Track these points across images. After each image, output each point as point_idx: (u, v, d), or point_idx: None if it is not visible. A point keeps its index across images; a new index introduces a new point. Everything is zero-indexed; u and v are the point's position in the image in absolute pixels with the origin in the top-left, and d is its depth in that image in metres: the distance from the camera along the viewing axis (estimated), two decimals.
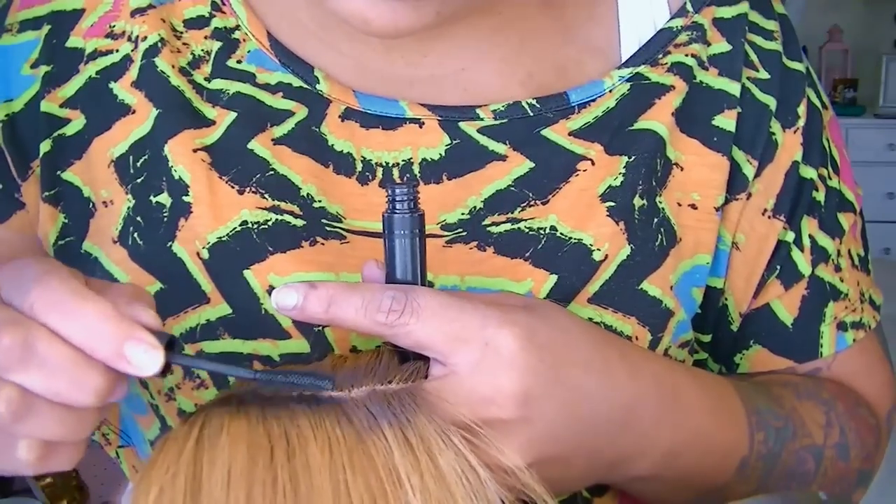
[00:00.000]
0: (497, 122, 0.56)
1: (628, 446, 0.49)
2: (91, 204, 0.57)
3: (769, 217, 0.60)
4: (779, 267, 0.60)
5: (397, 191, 0.45)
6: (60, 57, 0.58)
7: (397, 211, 0.45)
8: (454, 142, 0.56)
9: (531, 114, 0.57)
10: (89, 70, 0.57)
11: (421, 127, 0.56)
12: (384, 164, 0.56)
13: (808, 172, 0.61)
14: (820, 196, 0.62)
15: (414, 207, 0.45)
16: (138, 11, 0.57)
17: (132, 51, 0.57)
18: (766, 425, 0.57)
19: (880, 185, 3.90)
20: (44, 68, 0.57)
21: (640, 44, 0.59)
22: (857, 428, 0.62)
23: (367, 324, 0.44)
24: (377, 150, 0.56)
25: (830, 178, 0.63)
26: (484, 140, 0.56)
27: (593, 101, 0.58)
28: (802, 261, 0.61)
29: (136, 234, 0.55)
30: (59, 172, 0.58)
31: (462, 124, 0.56)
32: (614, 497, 0.60)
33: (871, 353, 0.65)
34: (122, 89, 0.57)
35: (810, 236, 0.61)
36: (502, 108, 0.57)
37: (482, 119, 0.56)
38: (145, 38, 0.56)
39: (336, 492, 0.39)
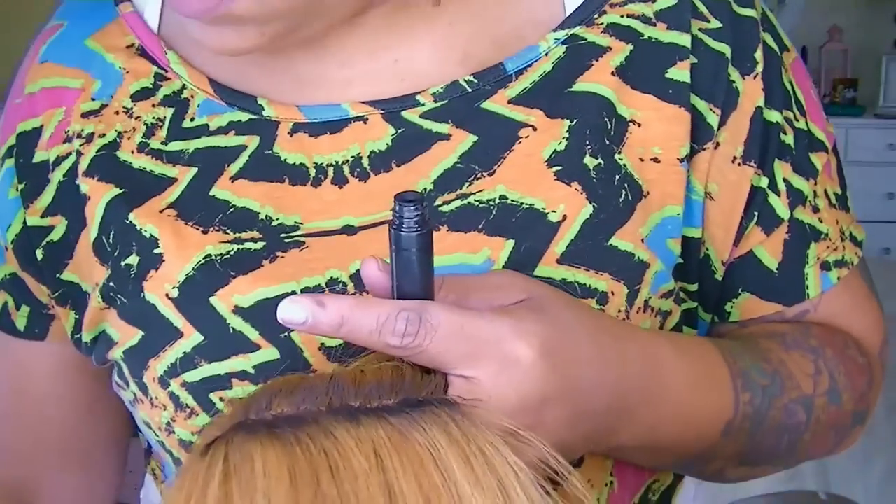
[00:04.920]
0: (438, 104, 0.58)
1: (614, 423, 0.51)
2: (89, 296, 0.60)
3: (739, 164, 0.60)
4: (757, 213, 0.61)
5: (405, 210, 0.43)
6: (30, 173, 0.61)
7: (404, 229, 0.43)
8: (399, 130, 0.57)
9: (469, 90, 0.58)
10: (57, 176, 0.61)
11: (365, 123, 0.58)
12: (335, 163, 0.57)
13: (773, 116, 0.61)
14: (789, 139, 0.62)
15: (422, 225, 0.43)
16: (91, 113, 0.60)
17: (81, 145, 0.60)
18: (753, 385, 0.58)
19: (880, 185, 3.90)
20: (20, 187, 0.62)
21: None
22: (847, 371, 0.62)
23: (381, 346, 0.44)
24: (327, 154, 0.57)
25: (797, 120, 0.63)
26: (427, 123, 0.57)
27: (530, 66, 0.58)
28: (780, 204, 0.61)
29: (115, 296, 0.58)
30: (57, 275, 0.61)
31: (404, 113, 0.58)
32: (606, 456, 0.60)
33: (856, 290, 0.66)
34: (79, 180, 0.60)
35: (785, 179, 0.61)
36: (441, 90, 0.58)
37: (423, 104, 0.58)
38: (103, 135, 0.60)
39: (388, 494, 0.38)
